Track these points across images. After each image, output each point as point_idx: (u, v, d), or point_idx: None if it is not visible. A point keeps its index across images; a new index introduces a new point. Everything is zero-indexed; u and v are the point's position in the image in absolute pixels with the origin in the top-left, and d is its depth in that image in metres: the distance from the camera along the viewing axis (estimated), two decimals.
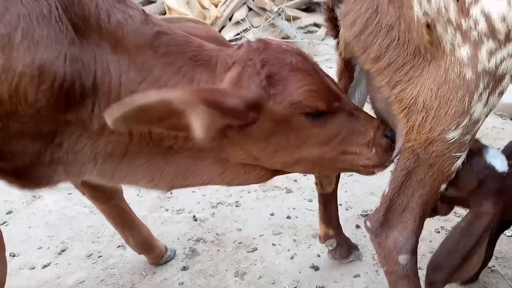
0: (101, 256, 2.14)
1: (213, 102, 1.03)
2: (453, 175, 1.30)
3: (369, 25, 1.27)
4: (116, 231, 2.06)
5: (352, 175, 2.72)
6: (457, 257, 1.37)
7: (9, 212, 2.51)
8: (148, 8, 6.38)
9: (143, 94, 1.01)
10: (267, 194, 2.60)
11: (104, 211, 1.91)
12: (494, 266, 1.92)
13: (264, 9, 6.45)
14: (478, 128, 1.24)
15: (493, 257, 1.94)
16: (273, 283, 1.91)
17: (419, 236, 1.39)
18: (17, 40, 0.99)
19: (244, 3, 6.59)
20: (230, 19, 6.50)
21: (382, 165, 1.33)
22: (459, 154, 1.25)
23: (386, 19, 1.24)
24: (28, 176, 1.22)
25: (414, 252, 1.38)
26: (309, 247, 2.13)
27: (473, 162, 1.34)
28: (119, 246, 2.20)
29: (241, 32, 6.27)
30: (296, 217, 2.38)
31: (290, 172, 1.41)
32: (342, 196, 2.52)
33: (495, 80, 1.14)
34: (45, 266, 2.08)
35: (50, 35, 1.03)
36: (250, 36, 6.24)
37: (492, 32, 1.08)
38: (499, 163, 1.37)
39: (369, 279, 1.90)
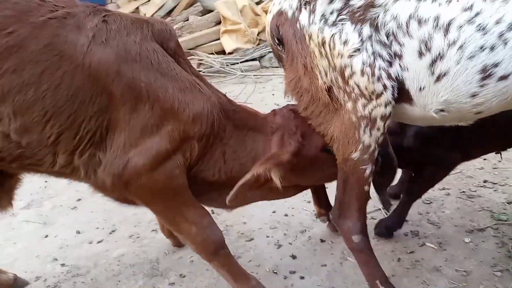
0: (139, 237, 2.85)
1: (279, 163, 1.84)
2: (370, 179, 1.83)
3: (296, 87, 1.83)
4: (153, 219, 2.73)
5: None
6: None
7: (79, 200, 3.33)
8: (206, 17, 7.08)
9: (243, 178, 1.81)
10: None
11: None
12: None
13: None
14: (374, 150, 1.75)
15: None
16: (258, 266, 2.47)
17: (364, 221, 1.95)
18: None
19: None
20: None
21: None
22: (364, 166, 1.79)
23: (304, 84, 1.79)
24: None
25: (363, 232, 1.95)
26: (294, 240, 2.66)
27: None
28: (152, 230, 2.89)
29: None
30: (293, 216, 2.91)
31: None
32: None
33: (371, 121, 1.68)
34: (99, 242, 2.83)
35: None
36: None
37: (362, 93, 1.63)
38: None
39: (333, 268, 2.39)
